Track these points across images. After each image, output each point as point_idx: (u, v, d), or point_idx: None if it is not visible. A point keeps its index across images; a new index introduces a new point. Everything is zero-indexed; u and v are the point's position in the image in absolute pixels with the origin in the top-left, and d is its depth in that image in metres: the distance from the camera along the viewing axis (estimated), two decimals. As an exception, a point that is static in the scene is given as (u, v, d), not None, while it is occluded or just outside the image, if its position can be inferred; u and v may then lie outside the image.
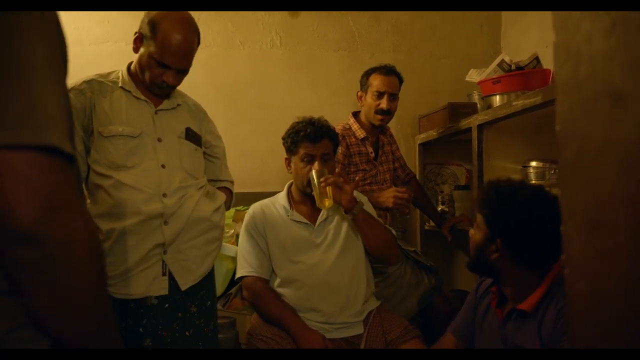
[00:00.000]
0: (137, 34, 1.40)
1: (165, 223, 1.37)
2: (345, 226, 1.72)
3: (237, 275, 1.71)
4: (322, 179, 1.59)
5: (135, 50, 1.42)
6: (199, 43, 1.44)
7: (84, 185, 1.42)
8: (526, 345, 1.16)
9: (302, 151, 1.67)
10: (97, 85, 1.40)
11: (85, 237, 0.56)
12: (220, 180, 1.63)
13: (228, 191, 1.63)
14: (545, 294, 1.16)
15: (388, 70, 2.07)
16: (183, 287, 1.41)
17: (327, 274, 1.63)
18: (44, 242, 0.52)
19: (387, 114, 2.07)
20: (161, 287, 1.38)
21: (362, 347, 1.58)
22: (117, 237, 1.33)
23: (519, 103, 1.66)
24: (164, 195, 1.37)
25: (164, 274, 1.39)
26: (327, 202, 1.59)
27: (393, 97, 2.07)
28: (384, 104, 2.04)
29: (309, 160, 1.66)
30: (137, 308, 1.37)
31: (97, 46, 2.32)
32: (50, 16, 0.57)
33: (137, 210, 1.33)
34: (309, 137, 1.66)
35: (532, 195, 1.19)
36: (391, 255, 1.75)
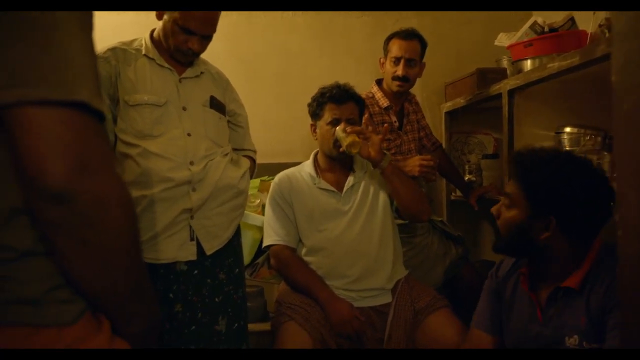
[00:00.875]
0: None
1: (193, 190, 1.38)
2: (372, 192, 1.70)
3: (264, 244, 1.72)
4: (348, 128, 1.57)
5: (159, 17, 1.40)
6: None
7: None
8: (570, 323, 1.10)
9: (327, 114, 1.66)
10: (121, 54, 1.40)
11: (118, 194, 0.55)
12: (244, 150, 1.63)
13: (251, 160, 1.64)
14: (590, 269, 1.10)
15: (407, 35, 2.00)
16: (208, 252, 1.43)
17: (355, 241, 1.63)
18: (76, 200, 0.51)
19: (404, 80, 2.00)
20: (190, 253, 1.40)
21: (390, 316, 1.57)
22: (147, 204, 1.34)
23: (554, 65, 1.58)
24: (191, 163, 1.38)
25: (191, 239, 1.41)
26: (354, 148, 1.55)
27: (411, 62, 2.00)
28: (399, 70, 1.98)
29: (335, 123, 1.64)
30: (167, 274, 1.40)
31: (119, 16, 2.31)
32: None
33: (165, 178, 1.35)
34: (334, 99, 1.65)
35: (575, 164, 1.10)
36: (422, 212, 1.68)
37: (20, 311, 0.54)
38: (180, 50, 1.40)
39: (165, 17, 1.37)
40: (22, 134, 0.49)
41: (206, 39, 1.41)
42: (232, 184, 1.45)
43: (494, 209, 1.22)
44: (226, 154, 1.49)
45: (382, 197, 1.71)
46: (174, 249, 1.38)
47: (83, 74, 0.53)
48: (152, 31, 1.46)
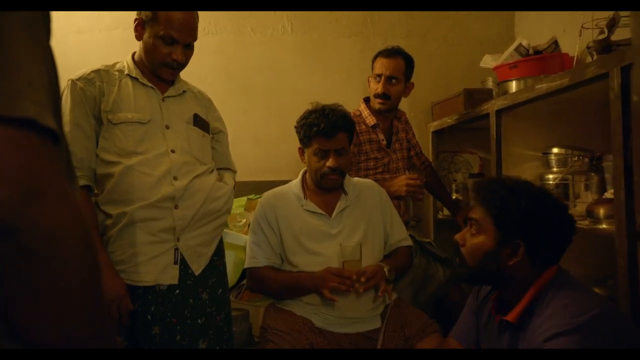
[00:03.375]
0: (137, 20, 1.39)
1: (176, 207, 1.37)
2: (366, 217, 1.67)
3: (245, 266, 1.69)
4: (362, 280, 1.47)
5: (138, 37, 1.41)
6: (198, 17, 1.44)
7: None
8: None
9: (315, 145, 1.61)
10: (105, 75, 1.41)
11: (71, 226, 0.47)
12: (225, 169, 1.61)
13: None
14: (531, 302, 1.08)
15: (390, 52, 2.00)
16: (197, 272, 1.42)
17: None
18: (21, 234, 0.43)
19: (384, 97, 1.99)
20: (172, 276, 1.38)
21: (380, 341, 1.52)
22: (127, 221, 1.33)
23: (543, 87, 1.59)
24: (175, 178, 1.37)
25: (175, 263, 1.38)
26: (360, 289, 1.48)
27: (393, 79, 1.98)
28: (379, 87, 1.98)
29: (323, 155, 1.62)
30: (145, 294, 1.36)
31: (108, 32, 2.28)
32: None
33: (147, 194, 1.34)
34: (322, 133, 1.59)
35: (538, 191, 1.13)
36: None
37: None
38: (166, 64, 1.40)
39: (145, 35, 1.39)
40: None
41: (188, 48, 1.42)
42: (217, 207, 1.45)
43: (458, 236, 1.19)
44: (211, 171, 1.49)
45: (377, 222, 1.69)
46: (156, 272, 1.35)
47: (30, 85, 0.45)
48: (134, 54, 1.47)
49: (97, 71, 1.40)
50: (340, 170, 1.63)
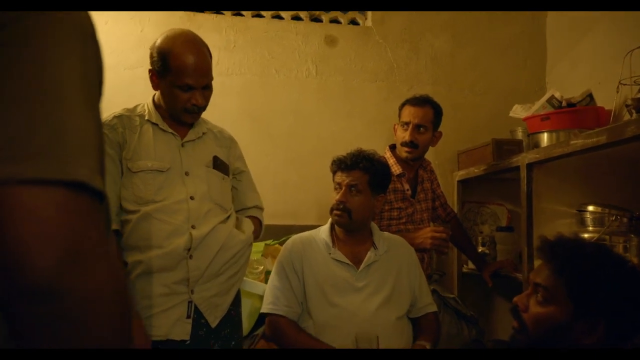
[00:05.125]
0: (150, 72, 1.38)
1: (190, 257, 1.32)
2: (394, 274, 1.59)
3: (262, 310, 1.61)
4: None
5: (155, 87, 1.40)
6: (210, 55, 1.41)
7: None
8: None
9: (335, 179, 1.64)
10: (127, 121, 1.40)
11: (111, 288, 0.47)
12: (249, 208, 1.57)
13: (257, 220, 1.57)
14: None
15: (418, 101, 1.97)
16: (214, 324, 1.36)
17: (368, 322, 1.49)
18: (63, 297, 0.43)
19: (412, 146, 1.94)
20: (184, 332, 1.31)
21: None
22: (143, 270, 1.29)
23: (579, 142, 1.52)
24: (193, 227, 1.34)
25: (188, 317, 1.32)
26: None
27: (420, 128, 1.94)
28: (407, 135, 1.93)
29: (338, 189, 1.61)
30: (153, 344, 1.29)
31: (132, 71, 2.30)
32: (85, 28, 0.50)
33: (163, 243, 1.30)
34: (339, 166, 1.63)
35: (620, 261, 1.01)
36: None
37: None
38: (187, 110, 1.38)
39: (161, 85, 1.37)
40: (6, 217, 0.42)
41: (206, 89, 1.40)
42: (232, 253, 1.40)
43: (518, 300, 1.07)
44: (228, 217, 1.44)
45: (404, 282, 1.61)
46: (168, 325, 1.29)
47: (84, 148, 0.46)
48: (154, 96, 1.46)
49: (120, 117, 1.40)
50: (347, 207, 1.57)
